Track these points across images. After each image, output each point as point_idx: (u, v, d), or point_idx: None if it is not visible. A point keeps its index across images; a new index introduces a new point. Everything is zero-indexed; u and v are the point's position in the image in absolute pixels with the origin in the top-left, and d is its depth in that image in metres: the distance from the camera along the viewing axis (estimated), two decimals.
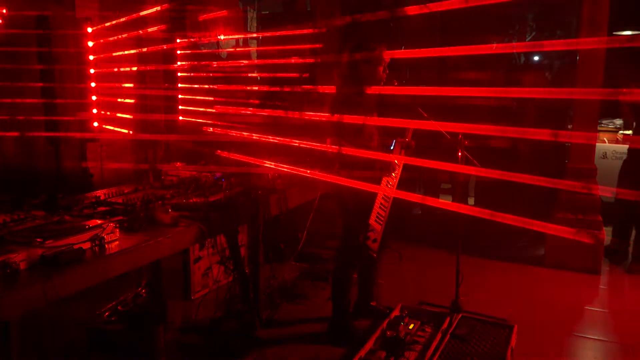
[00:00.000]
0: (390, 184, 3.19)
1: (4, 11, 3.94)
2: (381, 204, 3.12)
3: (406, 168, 3.32)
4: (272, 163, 3.73)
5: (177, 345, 3.19)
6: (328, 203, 3.54)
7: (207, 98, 5.41)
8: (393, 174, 3.21)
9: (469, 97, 4.46)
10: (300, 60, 5.27)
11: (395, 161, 3.22)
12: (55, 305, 1.97)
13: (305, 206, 3.73)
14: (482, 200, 5.56)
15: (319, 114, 3.32)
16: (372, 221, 3.06)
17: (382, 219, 3.13)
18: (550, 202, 4.79)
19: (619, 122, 6.14)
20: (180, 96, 5.51)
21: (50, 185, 4.43)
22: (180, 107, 5.49)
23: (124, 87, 4.90)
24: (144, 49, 5.03)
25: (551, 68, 6.45)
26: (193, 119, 5.34)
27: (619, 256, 4.69)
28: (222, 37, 5.90)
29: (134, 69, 5.05)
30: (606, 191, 4.77)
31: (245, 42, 7.74)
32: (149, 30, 4.93)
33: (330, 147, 3.08)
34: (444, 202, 2.32)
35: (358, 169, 3.11)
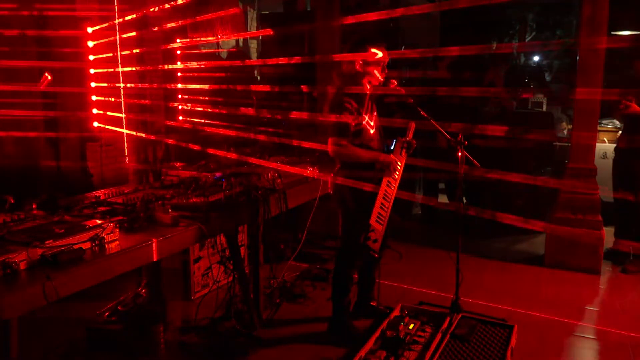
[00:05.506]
0: (390, 184, 3.18)
1: None
2: (382, 203, 3.11)
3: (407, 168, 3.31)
4: (272, 163, 3.73)
5: (177, 345, 3.20)
6: (329, 203, 3.54)
7: (206, 98, 5.41)
8: (395, 175, 3.18)
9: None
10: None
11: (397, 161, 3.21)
12: (55, 305, 1.97)
13: (306, 206, 3.73)
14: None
15: (319, 114, 3.31)
16: (372, 221, 3.05)
17: (383, 218, 3.12)
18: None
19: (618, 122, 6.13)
20: (180, 96, 5.51)
21: (50, 185, 4.43)
22: (180, 106, 5.48)
23: (124, 87, 4.89)
24: (145, 49, 5.03)
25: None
26: (193, 119, 5.34)
27: (619, 256, 4.68)
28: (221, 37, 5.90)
29: (134, 69, 5.04)
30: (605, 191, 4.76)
31: (245, 42, 7.74)
32: (149, 30, 4.93)
33: (330, 147, 3.07)
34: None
35: (359, 169, 3.11)
